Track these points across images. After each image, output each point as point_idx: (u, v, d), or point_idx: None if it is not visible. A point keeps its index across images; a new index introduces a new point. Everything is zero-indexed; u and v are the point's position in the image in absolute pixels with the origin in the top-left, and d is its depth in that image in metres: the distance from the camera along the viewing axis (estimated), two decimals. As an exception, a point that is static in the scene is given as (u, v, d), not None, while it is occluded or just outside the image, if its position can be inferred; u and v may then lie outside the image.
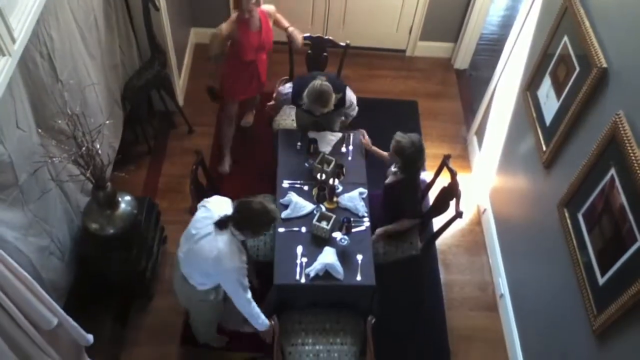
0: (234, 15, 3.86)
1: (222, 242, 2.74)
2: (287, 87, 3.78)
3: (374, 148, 3.73)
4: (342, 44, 4.13)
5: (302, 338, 3.14)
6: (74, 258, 3.36)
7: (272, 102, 4.05)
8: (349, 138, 3.80)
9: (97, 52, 3.51)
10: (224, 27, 3.81)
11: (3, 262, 2.22)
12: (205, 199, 2.94)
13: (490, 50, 5.42)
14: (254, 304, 2.93)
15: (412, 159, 3.25)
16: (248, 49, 3.91)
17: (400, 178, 3.38)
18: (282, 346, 3.10)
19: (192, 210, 3.17)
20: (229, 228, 2.77)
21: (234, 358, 3.52)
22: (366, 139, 3.78)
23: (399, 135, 3.27)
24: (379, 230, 3.47)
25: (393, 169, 3.46)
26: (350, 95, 3.78)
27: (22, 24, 2.45)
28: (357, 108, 3.89)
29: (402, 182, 3.38)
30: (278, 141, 3.82)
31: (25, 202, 2.79)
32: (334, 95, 3.46)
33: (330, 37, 4.17)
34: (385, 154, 3.60)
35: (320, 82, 3.41)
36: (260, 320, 2.96)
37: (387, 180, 3.48)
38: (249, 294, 2.89)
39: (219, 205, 2.87)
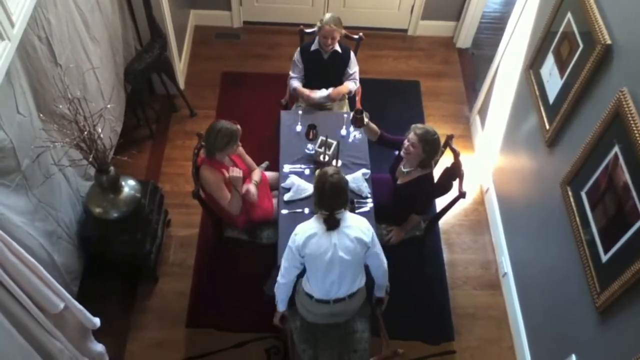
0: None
1: (351, 219, 2.74)
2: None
3: (371, 124, 3.47)
4: (355, 36, 4.08)
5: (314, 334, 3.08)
6: (79, 242, 3.39)
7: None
8: (349, 119, 3.77)
9: (100, 35, 3.49)
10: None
11: (9, 247, 2.24)
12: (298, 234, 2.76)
13: (493, 28, 5.37)
14: None
15: (436, 148, 3.15)
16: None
17: (416, 177, 3.27)
18: (295, 344, 3.06)
19: (196, 194, 3.18)
20: (342, 213, 2.71)
21: (240, 339, 3.56)
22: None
23: (418, 126, 3.16)
24: (397, 234, 3.50)
25: (404, 168, 3.33)
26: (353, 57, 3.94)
27: (20, 7, 2.44)
28: (357, 68, 3.94)
29: (422, 180, 3.25)
30: (280, 124, 3.81)
31: (29, 187, 2.80)
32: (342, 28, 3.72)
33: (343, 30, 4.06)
34: (375, 127, 3.44)
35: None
36: None
37: (399, 181, 3.38)
38: None
39: (304, 224, 2.79)
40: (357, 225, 2.74)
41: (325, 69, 3.86)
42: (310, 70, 3.91)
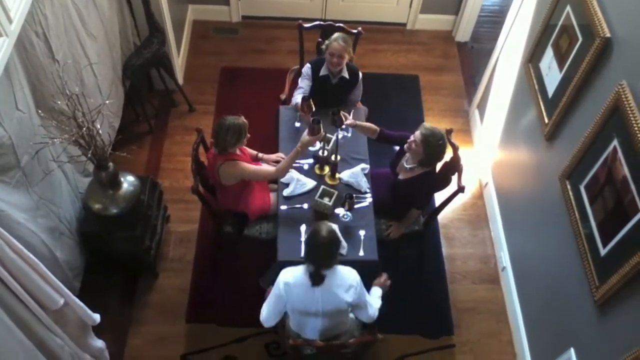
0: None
1: (337, 275, 2.70)
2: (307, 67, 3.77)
3: (359, 123, 3.45)
4: (354, 31, 4.01)
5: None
6: (79, 238, 3.39)
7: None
8: (349, 114, 3.76)
9: (97, 31, 3.48)
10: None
11: (9, 244, 2.24)
12: (281, 280, 2.74)
13: (492, 22, 5.35)
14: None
15: (438, 152, 3.13)
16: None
17: (419, 173, 3.26)
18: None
19: (195, 189, 3.18)
20: (329, 270, 2.69)
21: (240, 334, 3.57)
22: (349, 120, 3.44)
23: (427, 126, 3.13)
24: (396, 230, 3.51)
25: (407, 165, 3.33)
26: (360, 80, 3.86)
27: (17, 3, 2.43)
28: (361, 91, 3.91)
29: (424, 177, 3.25)
30: (278, 121, 3.80)
31: (29, 183, 2.80)
32: (351, 48, 3.63)
33: (342, 25, 3.98)
34: (371, 125, 3.43)
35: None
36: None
37: (401, 176, 3.37)
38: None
39: (290, 272, 2.76)
40: (341, 284, 2.71)
41: (330, 93, 3.76)
42: (316, 91, 3.77)
